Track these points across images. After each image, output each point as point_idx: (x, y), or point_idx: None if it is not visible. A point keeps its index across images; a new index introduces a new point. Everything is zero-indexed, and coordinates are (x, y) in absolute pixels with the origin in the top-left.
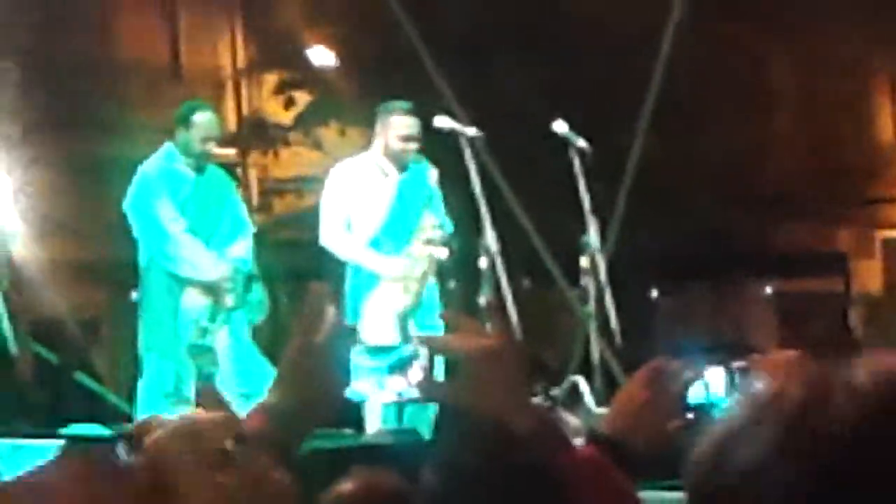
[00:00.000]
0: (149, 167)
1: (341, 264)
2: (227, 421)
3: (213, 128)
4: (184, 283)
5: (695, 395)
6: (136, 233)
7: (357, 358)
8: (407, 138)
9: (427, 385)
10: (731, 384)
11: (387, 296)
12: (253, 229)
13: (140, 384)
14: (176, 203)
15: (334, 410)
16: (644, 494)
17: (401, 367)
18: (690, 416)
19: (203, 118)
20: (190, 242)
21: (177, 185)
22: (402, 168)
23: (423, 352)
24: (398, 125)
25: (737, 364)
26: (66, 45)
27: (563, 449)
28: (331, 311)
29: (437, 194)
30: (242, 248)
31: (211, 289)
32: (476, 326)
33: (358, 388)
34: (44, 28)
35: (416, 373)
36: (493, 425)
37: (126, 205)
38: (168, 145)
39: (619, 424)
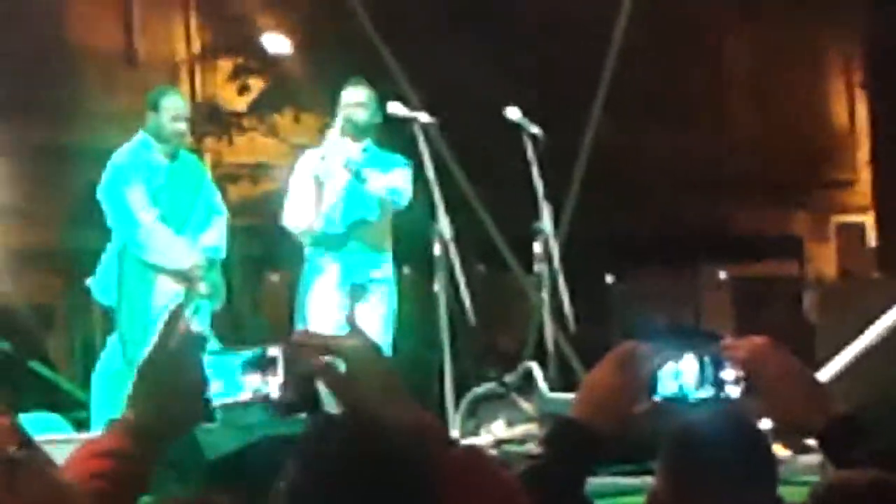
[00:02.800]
0: (121, 155)
1: (295, 250)
2: (6, 428)
3: (181, 107)
4: (156, 271)
5: (667, 386)
6: (108, 221)
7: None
8: (351, 106)
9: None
10: (702, 373)
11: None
12: (226, 217)
13: (97, 371)
14: (149, 191)
15: (193, 417)
16: (607, 480)
17: (259, 365)
18: (657, 400)
19: (171, 99)
20: (162, 231)
21: (150, 173)
22: (358, 139)
23: (281, 352)
24: (346, 96)
25: (707, 351)
26: (19, 31)
27: (443, 445)
28: (181, 323)
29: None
30: (215, 235)
31: (184, 276)
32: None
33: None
34: None
35: (277, 377)
36: (367, 419)
37: (99, 192)
38: (140, 134)
39: (587, 408)
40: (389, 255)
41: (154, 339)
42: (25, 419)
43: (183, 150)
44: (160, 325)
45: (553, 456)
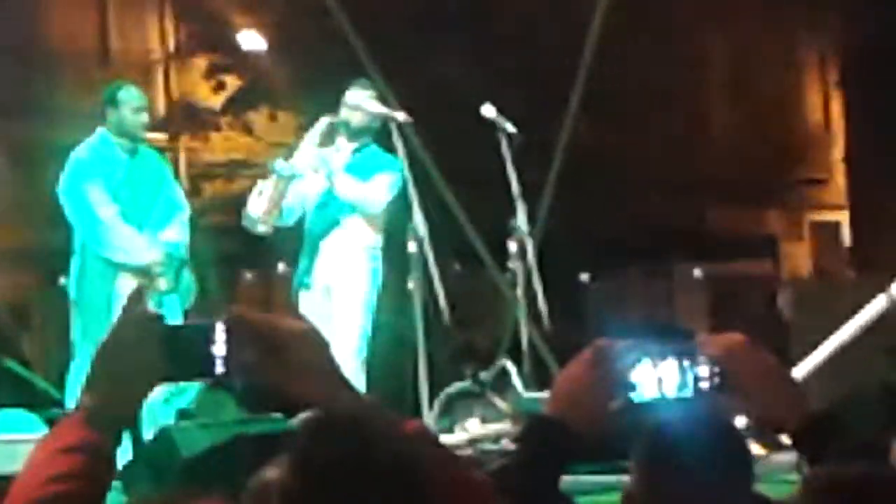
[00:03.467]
0: (81, 151)
1: (270, 249)
2: None
3: (140, 99)
4: (117, 267)
5: (641, 383)
6: (68, 217)
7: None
8: (351, 107)
9: (243, 365)
10: (676, 370)
11: None
12: (188, 212)
13: (71, 370)
14: (109, 187)
15: (144, 400)
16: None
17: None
18: (631, 397)
19: (128, 92)
20: (121, 227)
21: (110, 169)
22: (353, 140)
23: (222, 330)
24: (348, 98)
25: (682, 348)
26: None
27: (394, 422)
28: (137, 306)
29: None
30: (176, 231)
31: (144, 273)
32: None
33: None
34: None
35: (220, 350)
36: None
37: (59, 189)
38: (100, 130)
39: (561, 405)
40: (372, 250)
41: (113, 321)
42: (0, 417)
43: (143, 146)
44: (119, 309)
45: (527, 454)
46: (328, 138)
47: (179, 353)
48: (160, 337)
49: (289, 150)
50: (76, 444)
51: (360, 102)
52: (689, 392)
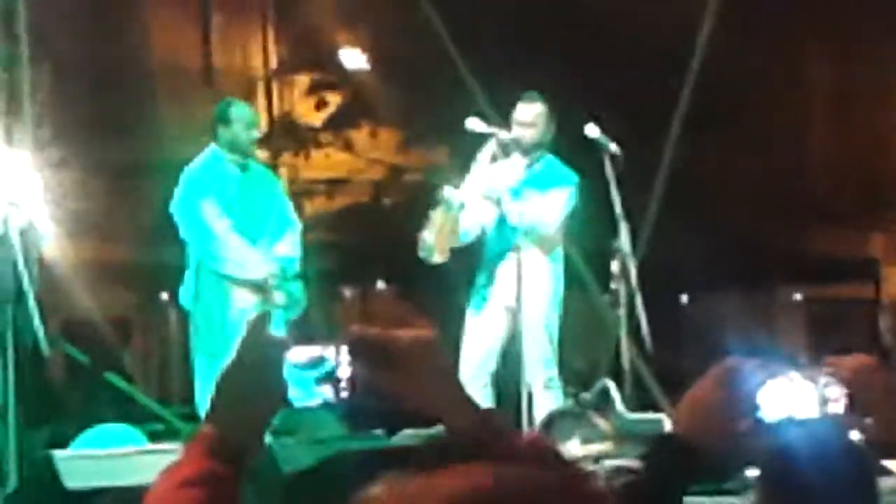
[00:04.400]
0: (194, 168)
1: (370, 266)
2: None
3: (253, 116)
4: (231, 281)
5: (770, 403)
6: (182, 234)
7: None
8: (522, 124)
9: (366, 382)
10: (810, 394)
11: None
12: (300, 226)
13: (195, 385)
14: (221, 202)
15: (267, 427)
16: (700, 500)
17: (330, 374)
18: (759, 417)
19: (241, 110)
20: (236, 241)
21: (222, 184)
22: (526, 155)
23: (345, 352)
24: (518, 112)
25: (810, 370)
26: (97, 48)
27: (507, 437)
28: (264, 331)
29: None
30: (289, 245)
31: (258, 287)
32: (402, 315)
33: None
34: (76, 31)
35: (345, 373)
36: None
37: (172, 206)
38: (212, 146)
39: (688, 423)
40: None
41: (236, 347)
42: (102, 431)
43: (254, 162)
44: (242, 333)
45: (654, 471)
46: (502, 155)
47: (304, 378)
48: (285, 362)
49: (460, 174)
50: (200, 476)
51: (531, 120)
52: (816, 413)
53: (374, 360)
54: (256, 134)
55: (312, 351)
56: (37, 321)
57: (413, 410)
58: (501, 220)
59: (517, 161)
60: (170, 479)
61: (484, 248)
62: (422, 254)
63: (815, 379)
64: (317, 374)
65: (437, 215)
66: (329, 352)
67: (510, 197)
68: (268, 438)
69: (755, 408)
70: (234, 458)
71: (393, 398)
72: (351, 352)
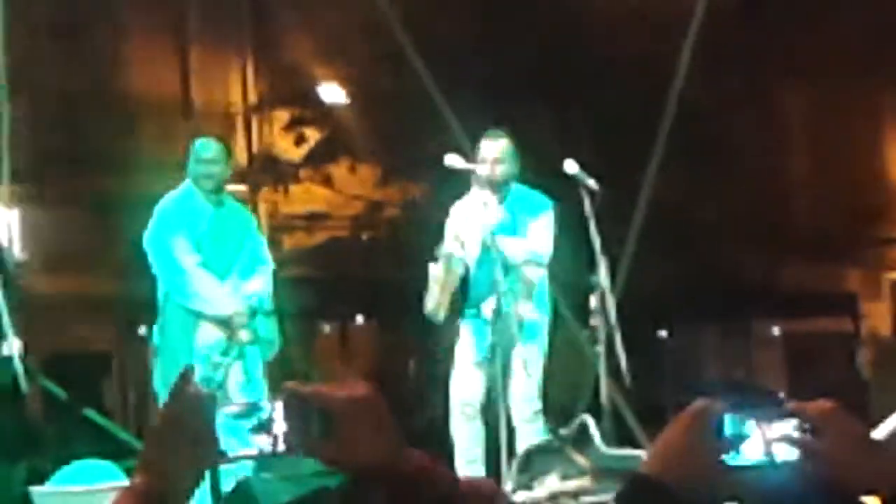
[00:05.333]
0: (166, 202)
1: (347, 302)
2: None
3: (210, 150)
4: (199, 317)
5: (748, 454)
6: (152, 267)
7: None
8: (488, 160)
9: (300, 442)
10: (768, 434)
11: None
12: (272, 266)
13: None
14: (193, 238)
15: (201, 478)
16: None
17: (264, 425)
18: (728, 460)
19: (201, 144)
20: (204, 277)
21: (194, 220)
22: (497, 192)
23: (280, 408)
24: (483, 149)
25: (775, 413)
26: (77, 81)
27: (454, 479)
28: (191, 385)
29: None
30: (260, 283)
31: (225, 323)
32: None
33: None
34: (55, 63)
35: (280, 428)
36: (378, 470)
37: (144, 240)
38: (186, 181)
39: (661, 465)
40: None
41: (163, 402)
42: (80, 467)
43: (228, 198)
44: (169, 389)
45: None
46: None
47: (239, 427)
48: (214, 417)
49: (438, 210)
50: None
51: (499, 155)
52: (785, 456)
53: (308, 418)
54: (212, 169)
55: (244, 401)
56: (15, 357)
57: (353, 464)
58: (483, 259)
59: (489, 199)
60: None
61: (468, 286)
62: (429, 314)
63: (785, 421)
64: (250, 423)
65: (438, 273)
66: (264, 403)
67: (497, 235)
68: (248, 474)
69: (727, 449)
70: None
71: (330, 455)
72: (286, 408)
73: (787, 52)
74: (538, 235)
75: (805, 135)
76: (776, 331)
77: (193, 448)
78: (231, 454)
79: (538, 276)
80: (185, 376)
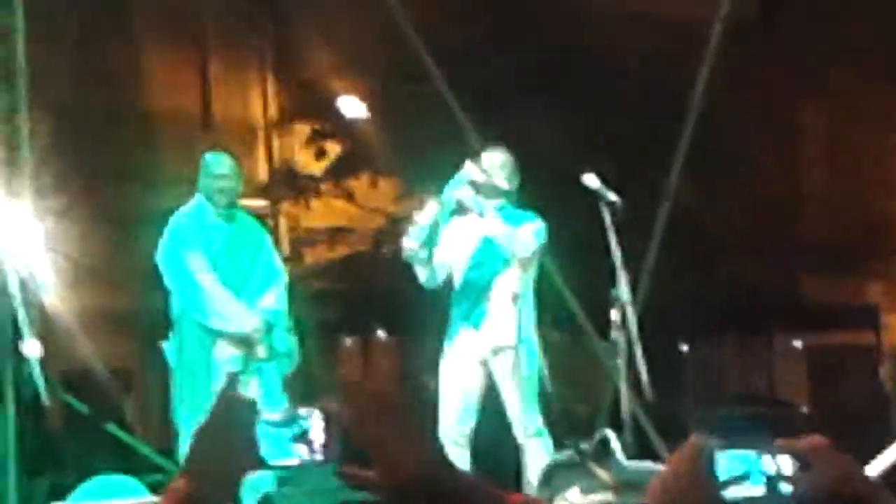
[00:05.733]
0: (180, 218)
1: (369, 315)
2: None
3: (224, 166)
4: (215, 334)
5: (742, 490)
6: (167, 284)
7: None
8: (490, 171)
9: (335, 452)
10: (761, 470)
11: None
12: (285, 279)
13: (181, 436)
14: (207, 254)
15: (241, 486)
16: None
17: (304, 434)
18: (727, 495)
19: (213, 158)
20: (220, 294)
21: (208, 236)
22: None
23: (318, 418)
24: (484, 160)
25: (766, 449)
26: (98, 96)
27: (499, 496)
28: (236, 391)
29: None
30: (274, 298)
31: (242, 340)
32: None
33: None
34: (76, 79)
35: (318, 437)
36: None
37: (158, 257)
38: (198, 197)
39: (663, 500)
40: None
41: (209, 406)
42: (102, 482)
43: (240, 213)
44: (216, 393)
45: None
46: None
47: (279, 436)
48: (254, 424)
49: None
50: None
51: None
52: (779, 491)
53: (347, 429)
54: (225, 184)
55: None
56: (37, 371)
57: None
58: (477, 259)
59: (487, 204)
60: None
61: (452, 303)
62: (406, 255)
63: (777, 456)
64: (291, 432)
65: (423, 214)
66: (305, 412)
67: (490, 218)
68: (270, 488)
69: (721, 485)
70: None
71: (368, 466)
72: (325, 418)
73: (806, 64)
74: (525, 231)
75: (824, 146)
76: (797, 344)
77: (234, 454)
78: (271, 461)
79: (525, 281)
80: (231, 382)
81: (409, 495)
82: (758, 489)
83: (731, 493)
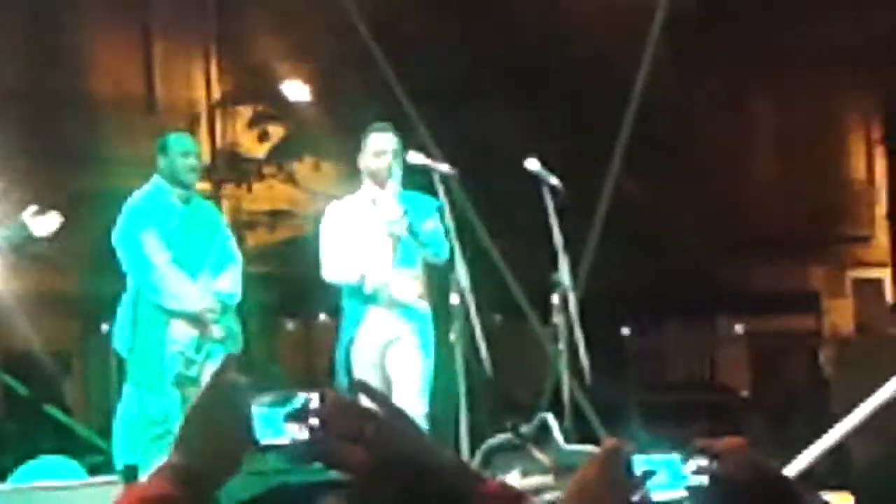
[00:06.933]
0: (136, 199)
1: (311, 298)
2: None
3: (190, 145)
4: (169, 314)
5: (658, 493)
6: (123, 265)
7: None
8: (378, 153)
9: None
10: (686, 476)
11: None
12: (241, 261)
13: (117, 417)
14: (163, 234)
15: (238, 462)
16: None
17: (297, 414)
18: (642, 499)
19: (177, 138)
20: (175, 274)
21: (164, 217)
22: (385, 188)
23: (317, 400)
24: (372, 142)
25: (688, 452)
26: (41, 78)
27: (478, 479)
28: (231, 370)
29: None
30: (229, 279)
31: (196, 320)
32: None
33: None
34: (19, 60)
35: (311, 418)
36: (408, 461)
37: (113, 237)
38: (155, 178)
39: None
40: (427, 306)
41: (205, 384)
42: (42, 464)
43: (196, 195)
44: (212, 372)
45: None
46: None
47: (273, 415)
48: (249, 404)
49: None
50: (157, 495)
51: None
52: (695, 493)
53: (346, 412)
54: (193, 162)
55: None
56: None
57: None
58: (400, 248)
59: (379, 195)
60: (132, 494)
61: (346, 305)
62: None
63: (693, 460)
64: (285, 411)
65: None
66: (300, 394)
67: (412, 219)
68: None
69: (638, 489)
70: (194, 487)
71: (362, 449)
72: (321, 400)
73: (756, 54)
74: (436, 226)
75: (769, 134)
76: (739, 329)
77: (228, 433)
78: (263, 441)
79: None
80: (228, 362)
81: (392, 473)
82: (677, 492)
83: (653, 497)
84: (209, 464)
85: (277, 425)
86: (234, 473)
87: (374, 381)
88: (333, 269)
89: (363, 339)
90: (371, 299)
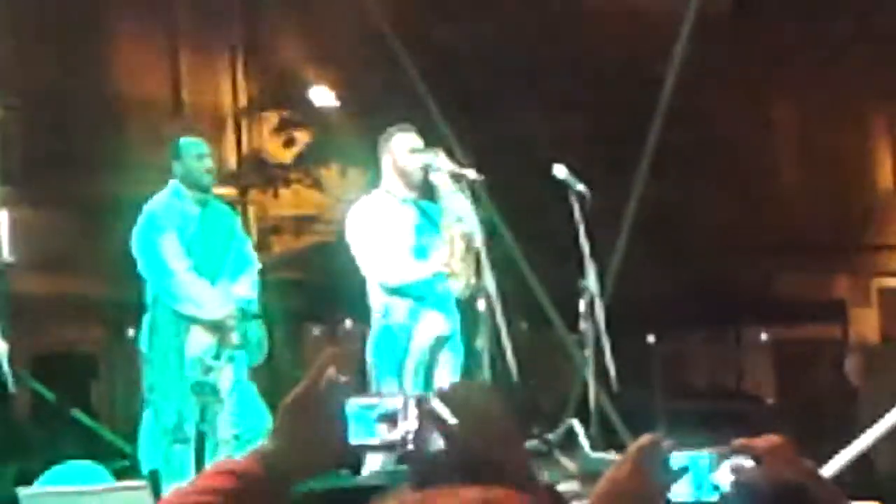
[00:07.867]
0: (154, 205)
1: (336, 304)
2: None
3: (202, 147)
4: (188, 321)
5: (692, 490)
6: (141, 271)
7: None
8: (413, 150)
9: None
10: (724, 474)
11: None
12: (257, 265)
13: (143, 423)
14: (182, 240)
15: (333, 462)
16: None
17: (390, 416)
18: (676, 496)
19: (189, 141)
20: (194, 280)
21: (182, 222)
22: (417, 189)
23: (413, 406)
24: (403, 141)
25: (725, 450)
26: (69, 84)
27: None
28: (331, 367)
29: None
30: (247, 285)
31: (216, 327)
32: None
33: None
34: (47, 67)
35: (407, 425)
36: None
37: (132, 242)
38: (172, 183)
39: (609, 501)
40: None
41: (304, 379)
42: (68, 468)
43: (213, 199)
44: (313, 368)
45: None
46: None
47: (363, 422)
48: (344, 404)
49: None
50: (239, 469)
51: (431, 161)
52: (730, 493)
53: (442, 420)
54: (208, 164)
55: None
56: (3, 358)
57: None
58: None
59: (409, 196)
60: (217, 465)
61: (396, 305)
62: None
63: (729, 457)
64: (375, 413)
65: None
66: (396, 398)
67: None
68: None
69: (671, 486)
70: (279, 477)
71: (462, 456)
72: (418, 406)
73: (781, 63)
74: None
75: (794, 141)
76: (765, 337)
77: (322, 428)
78: (355, 441)
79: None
80: (328, 360)
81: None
82: (715, 490)
83: (687, 493)
84: (298, 455)
85: (369, 426)
86: (322, 470)
87: (422, 382)
88: (400, 270)
89: (420, 337)
90: (429, 298)
